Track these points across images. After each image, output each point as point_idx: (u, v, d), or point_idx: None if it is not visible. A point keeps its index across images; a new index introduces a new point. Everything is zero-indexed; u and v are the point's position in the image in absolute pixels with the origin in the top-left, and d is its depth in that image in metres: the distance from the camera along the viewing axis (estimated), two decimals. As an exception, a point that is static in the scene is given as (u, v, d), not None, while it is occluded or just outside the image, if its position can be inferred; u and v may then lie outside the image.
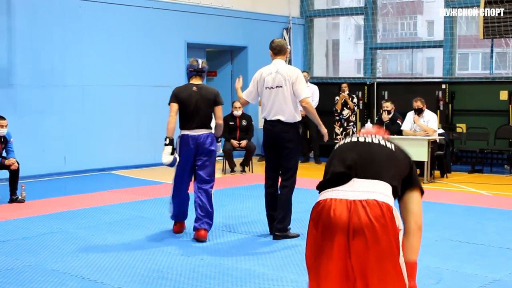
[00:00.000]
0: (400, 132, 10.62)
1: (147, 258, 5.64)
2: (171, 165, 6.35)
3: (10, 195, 8.26)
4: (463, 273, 5.22)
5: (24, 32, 10.29)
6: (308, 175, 10.52)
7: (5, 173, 8.48)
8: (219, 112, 6.49)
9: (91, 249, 5.94)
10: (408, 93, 12.08)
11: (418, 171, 10.51)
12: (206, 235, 6.36)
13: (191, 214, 6.70)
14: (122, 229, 6.79)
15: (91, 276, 5.09)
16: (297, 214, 6.87)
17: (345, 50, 22.51)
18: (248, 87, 6.63)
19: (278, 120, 6.34)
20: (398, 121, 10.81)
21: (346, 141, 3.14)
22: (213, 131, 6.53)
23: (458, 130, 12.45)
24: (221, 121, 6.51)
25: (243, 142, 11.37)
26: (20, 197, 8.27)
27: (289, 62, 13.30)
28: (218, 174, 10.90)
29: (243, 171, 11.39)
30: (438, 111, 12.39)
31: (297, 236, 6.36)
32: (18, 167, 8.25)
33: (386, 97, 13.05)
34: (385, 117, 10.93)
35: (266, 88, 6.39)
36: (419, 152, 10.03)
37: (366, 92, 13.56)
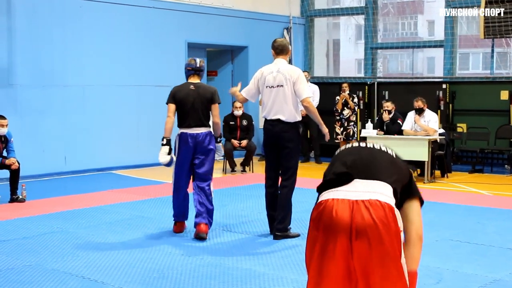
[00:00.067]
0: (400, 132, 10.62)
1: (147, 258, 5.64)
2: (167, 165, 6.48)
3: (10, 195, 8.26)
4: (463, 273, 5.21)
5: (24, 32, 10.29)
6: (309, 175, 10.52)
7: (5, 173, 8.48)
8: (216, 111, 6.52)
9: (91, 249, 5.94)
10: (408, 93, 12.08)
11: (418, 171, 10.53)
12: (207, 229, 6.37)
13: (191, 214, 6.71)
14: (122, 229, 6.79)
15: (91, 276, 5.09)
16: (297, 214, 6.87)
17: (345, 50, 22.50)
18: (248, 85, 6.64)
19: (278, 120, 6.34)
20: (398, 121, 10.81)
21: (347, 146, 3.18)
22: (211, 129, 6.55)
23: (459, 130, 12.45)
24: (217, 119, 6.53)
25: (244, 142, 11.37)
26: (20, 196, 8.27)
27: (290, 62, 13.27)
28: (218, 174, 10.95)
29: (244, 171, 11.40)
30: (439, 111, 12.38)
31: (298, 236, 6.36)
32: (19, 167, 8.25)
33: (386, 97, 13.05)
34: (386, 117, 10.92)
35: (266, 87, 6.39)
36: (419, 152, 10.03)
37: (366, 92, 13.55)
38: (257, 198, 8.46)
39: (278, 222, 6.32)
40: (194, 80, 6.56)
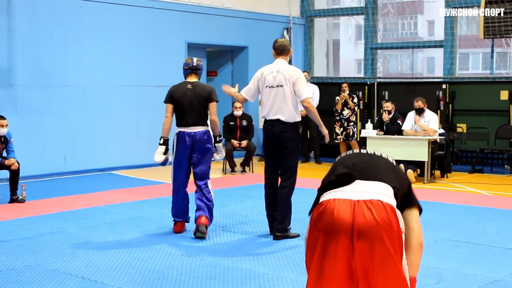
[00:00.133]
0: (400, 132, 10.61)
1: (147, 258, 5.64)
2: (162, 164, 6.57)
3: (10, 195, 8.26)
4: (463, 273, 5.21)
5: (24, 32, 10.29)
6: (308, 175, 10.52)
7: (5, 173, 8.47)
8: (213, 109, 6.53)
9: (91, 249, 5.94)
10: (408, 93, 12.08)
11: (418, 171, 10.52)
12: (207, 222, 6.39)
13: (191, 214, 6.71)
14: (122, 229, 6.79)
15: (91, 276, 5.09)
16: (297, 214, 6.87)
17: (345, 50, 22.49)
18: (248, 84, 6.64)
19: (278, 120, 6.33)
20: (398, 121, 10.80)
21: (347, 152, 3.24)
22: (209, 128, 6.56)
23: (459, 130, 12.45)
24: (214, 117, 6.54)
25: (244, 142, 11.37)
26: (20, 197, 8.27)
27: (290, 62, 13.27)
28: (218, 174, 10.95)
29: (244, 171, 11.39)
30: (439, 111, 12.38)
31: (298, 236, 6.36)
32: (19, 167, 8.25)
33: (386, 97, 13.05)
34: (386, 117, 10.92)
35: (266, 86, 6.39)
36: (419, 152, 10.03)
37: (366, 92, 13.55)
38: (257, 198, 8.46)
39: (278, 223, 6.32)
40: (192, 79, 6.58)
